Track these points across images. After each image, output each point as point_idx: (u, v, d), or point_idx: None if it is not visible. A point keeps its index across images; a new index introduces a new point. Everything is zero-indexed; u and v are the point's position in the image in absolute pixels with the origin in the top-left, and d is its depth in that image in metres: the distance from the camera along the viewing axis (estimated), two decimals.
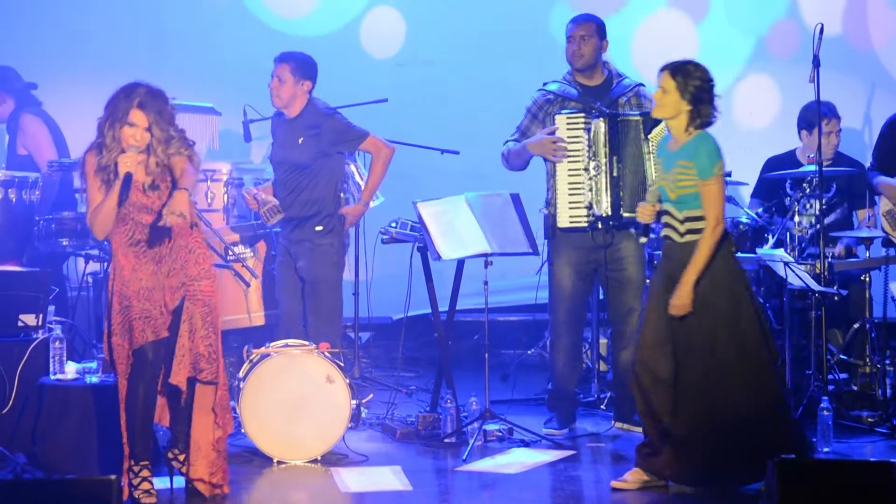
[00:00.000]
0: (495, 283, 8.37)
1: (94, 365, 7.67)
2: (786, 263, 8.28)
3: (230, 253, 8.88)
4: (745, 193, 9.81)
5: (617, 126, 8.15)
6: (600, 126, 8.14)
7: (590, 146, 8.17)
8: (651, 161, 8.07)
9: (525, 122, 8.42)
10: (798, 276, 8.28)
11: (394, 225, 8.53)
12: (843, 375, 8.84)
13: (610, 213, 8.15)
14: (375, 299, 9.69)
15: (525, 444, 8.07)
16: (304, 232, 8.52)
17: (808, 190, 8.73)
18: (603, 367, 9.27)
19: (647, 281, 8.06)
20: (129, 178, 6.60)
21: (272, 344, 7.92)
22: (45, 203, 9.19)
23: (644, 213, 7.14)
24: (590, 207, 8.19)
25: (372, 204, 9.13)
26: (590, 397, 9.07)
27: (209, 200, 9.31)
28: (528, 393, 9.33)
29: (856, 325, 8.87)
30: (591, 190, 8.18)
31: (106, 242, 7.11)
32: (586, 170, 8.19)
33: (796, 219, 8.73)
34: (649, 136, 8.10)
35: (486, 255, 8.12)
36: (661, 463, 7.02)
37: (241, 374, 7.85)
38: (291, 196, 8.53)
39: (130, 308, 6.71)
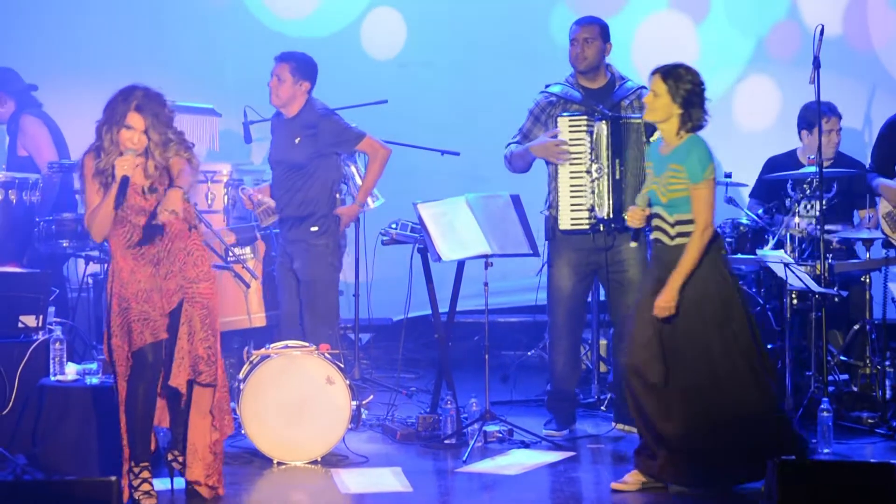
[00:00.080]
0: (495, 284, 8.37)
1: (94, 366, 7.68)
2: (786, 264, 8.28)
3: (230, 254, 8.88)
4: (746, 194, 9.81)
5: (619, 129, 8.15)
6: (602, 129, 8.14)
7: (592, 149, 8.17)
8: None
9: (527, 125, 8.41)
10: (798, 277, 8.28)
11: (394, 226, 8.53)
12: (844, 377, 8.83)
13: (611, 215, 8.14)
14: (375, 300, 9.69)
15: (525, 445, 8.07)
16: (300, 232, 8.53)
17: (808, 191, 8.73)
18: (603, 368, 9.27)
19: None
20: (125, 181, 6.60)
21: (272, 345, 7.93)
22: (46, 204, 9.19)
23: (634, 218, 7.15)
24: (591, 210, 8.18)
25: (372, 205, 9.14)
26: (590, 398, 9.07)
27: (209, 202, 9.30)
28: (529, 394, 9.32)
29: (856, 327, 8.87)
30: (592, 192, 8.18)
31: (106, 244, 7.11)
32: (588, 172, 8.19)
33: (796, 220, 8.73)
34: (651, 139, 8.10)
35: (486, 256, 8.12)
36: (658, 466, 7.03)
37: (241, 376, 7.85)
38: (288, 196, 8.54)
39: (129, 310, 6.71)
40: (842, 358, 8.89)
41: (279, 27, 11.20)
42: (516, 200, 8.32)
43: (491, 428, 8.14)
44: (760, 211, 9.15)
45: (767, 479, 6.21)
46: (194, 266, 6.78)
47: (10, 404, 7.66)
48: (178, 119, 6.90)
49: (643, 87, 8.37)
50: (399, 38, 11.33)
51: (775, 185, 9.10)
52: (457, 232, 8.19)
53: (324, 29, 11.26)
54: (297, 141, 8.51)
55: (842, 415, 8.43)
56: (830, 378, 8.65)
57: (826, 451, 7.78)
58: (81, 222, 8.45)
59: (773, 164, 9.40)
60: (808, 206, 8.73)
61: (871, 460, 7.67)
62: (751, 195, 9.54)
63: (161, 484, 6.91)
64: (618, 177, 8.14)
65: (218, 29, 11.22)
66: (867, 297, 8.77)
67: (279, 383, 7.70)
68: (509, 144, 8.44)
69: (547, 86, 8.44)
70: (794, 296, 8.66)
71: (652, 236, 7.15)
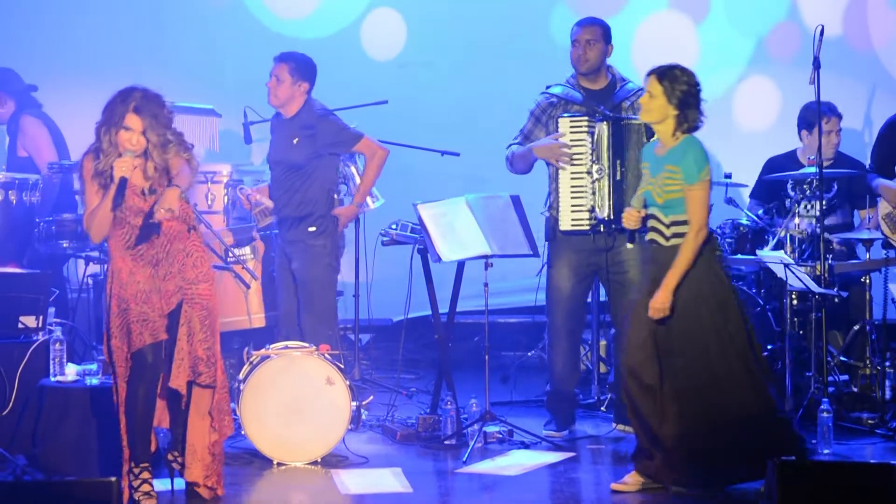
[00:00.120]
0: (495, 284, 8.37)
1: (94, 367, 7.67)
2: (786, 265, 8.28)
3: (230, 255, 8.88)
4: (746, 195, 9.81)
5: (620, 130, 8.14)
6: (603, 129, 8.14)
7: (593, 149, 8.16)
8: None
9: (528, 126, 8.41)
10: (798, 277, 8.27)
11: (394, 227, 8.53)
12: (844, 377, 8.83)
13: (612, 216, 8.13)
14: (375, 301, 9.69)
15: (525, 445, 8.08)
16: (298, 233, 8.54)
17: (808, 191, 8.73)
18: (603, 369, 9.28)
19: None
20: (124, 182, 6.59)
21: (272, 346, 7.92)
22: (46, 205, 9.19)
23: (629, 219, 7.15)
24: (592, 211, 8.18)
25: (372, 205, 9.14)
26: (590, 399, 9.07)
27: (209, 202, 9.31)
28: (529, 395, 9.32)
29: (856, 327, 8.87)
30: (593, 193, 8.18)
31: (105, 244, 7.11)
32: (589, 173, 8.19)
33: (796, 220, 8.73)
34: (652, 140, 8.09)
35: (486, 256, 8.12)
36: (655, 467, 7.03)
37: (241, 376, 7.85)
38: (286, 196, 8.55)
39: (128, 311, 6.71)
40: (842, 358, 8.89)
41: (279, 28, 11.20)
42: (516, 201, 8.32)
43: (491, 428, 8.14)
44: (760, 212, 9.15)
45: (767, 479, 6.21)
46: (193, 267, 6.78)
47: (10, 405, 7.66)
48: (178, 120, 6.90)
49: (644, 89, 8.37)
50: (399, 38, 11.33)
51: (775, 185, 9.10)
52: (457, 232, 8.19)
53: (324, 29, 11.26)
54: (295, 141, 8.51)
55: (842, 415, 8.43)
56: (830, 379, 8.65)
57: (826, 451, 7.78)
58: (81, 223, 8.45)
59: (772, 165, 9.40)
60: (808, 207, 8.73)
61: (871, 461, 7.67)
62: (751, 196, 9.54)
63: (161, 484, 6.91)
64: (618, 178, 8.14)
65: (218, 29, 11.23)
66: (867, 297, 8.77)
67: (279, 384, 7.70)
68: (510, 145, 8.43)
69: (548, 87, 8.44)
70: (794, 296, 8.66)
71: (647, 237, 7.15)
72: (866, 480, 6.03)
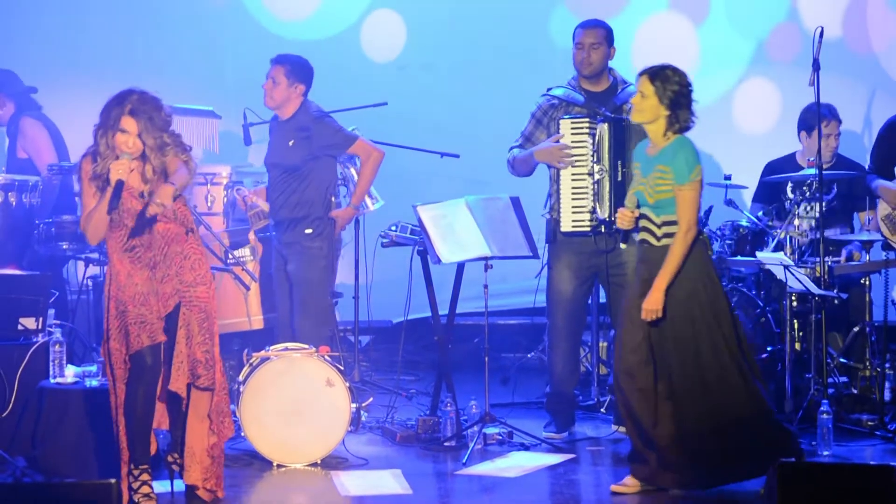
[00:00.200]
0: (495, 286, 8.38)
1: (93, 368, 7.67)
2: (786, 267, 8.27)
3: (230, 256, 8.89)
4: (746, 196, 9.81)
5: (621, 130, 8.14)
6: (605, 131, 8.13)
7: (594, 151, 8.16)
8: None
9: (529, 128, 8.41)
10: (798, 279, 8.27)
11: (394, 228, 8.53)
12: (843, 379, 8.83)
13: (613, 217, 8.13)
14: (375, 303, 9.69)
15: (525, 447, 8.07)
16: (295, 234, 8.54)
17: (808, 193, 8.73)
18: (603, 370, 9.27)
19: None
20: (120, 184, 6.58)
21: (272, 347, 7.92)
22: (45, 206, 9.19)
23: (623, 219, 7.15)
24: (593, 212, 8.18)
25: (372, 207, 9.15)
26: (590, 401, 9.07)
27: (209, 204, 9.31)
28: (528, 396, 9.33)
29: (856, 329, 8.87)
30: (594, 194, 8.17)
31: (105, 246, 7.11)
32: (590, 174, 8.19)
33: (796, 222, 8.73)
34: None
35: (486, 258, 8.12)
36: (649, 471, 7.03)
37: (240, 378, 7.86)
38: (283, 198, 8.55)
39: (126, 313, 6.70)
40: (841, 360, 8.89)
41: (279, 29, 11.21)
42: (516, 203, 8.32)
43: (491, 430, 8.14)
44: (760, 213, 9.14)
45: (767, 481, 6.22)
46: (191, 270, 6.78)
47: (10, 406, 7.66)
48: (177, 121, 6.90)
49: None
50: (399, 40, 11.34)
51: (777, 187, 9.10)
52: (456, 234, 8.19)
53: (323, 31, 11.27)
54: (291, 143, 8.52)
55: (841, 417, 8.43)
56: (830, 380, 8.65)
57: (826, 453, 7.78)
58: None
59: (772, 168, 9.40)
60: (808, 209, 8.73)
61: (871, 463, 7.66)
62: (753, 199, 9.53)
63: (161, 486, 6.90)
64: (620, 178, 8.13)
65: (218, 31, 11.23)
66: (867, 299, 8.77)
67: (279, 385, 7.70)
68: (512, 148, 8.43)
69: (549, 89, 8.44)
70: (793, 298, 8.66)
71: (639, 237, 7.15)
72: (866, 482, 6.02)
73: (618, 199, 8.12)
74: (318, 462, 7.70)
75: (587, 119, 8.21)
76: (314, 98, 8.67)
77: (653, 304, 6.95)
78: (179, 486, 6.91)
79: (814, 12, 10.87)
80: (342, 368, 7.88)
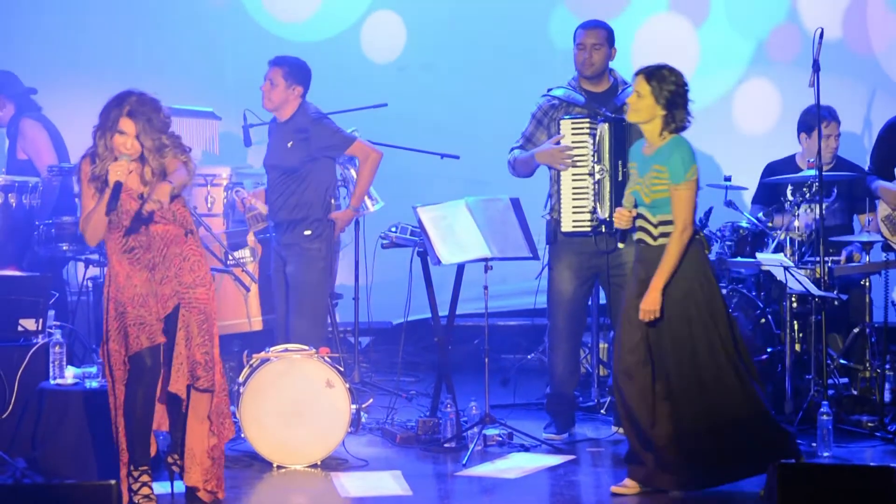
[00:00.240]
0: (495, 287, 8.38)
1: (93, 370, 7.67)
2: (786, 268, 8.27)
3: (230, 258, 8.88)
4: (746, 198, 9.81)
5: (622, 130, 8.13)
6: (605, 131, 8.13)
7: (595, 151, 8.16)
8: None
9: (530, 129, 8.41)
10: (798, 280, 8.27)
11: (394, 229, 8.53)
12: (843, 380, 8.83)
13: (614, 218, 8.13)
14: (375, 304, 9.69)
15: (525, 448, 8.07)
16: (294, 236, 8.53)
17: (808, 194, 8.73)
18: (603, 371, 9.27)
19: None
20: (118, 186, 6.58)
21: (272, 349, 7.92)
22: (45, 208, 9.19)
23: (621, 219, 7.15)
24: (594, 212, 8.18)
25: (372, 208, 9.14)
26: (590, 402, 9.07)
27: (209, 205, 9.31)
28: (529, 397, 9.32)
29: (856, 330, 8.87)
30: (595, 194, 8.17)
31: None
32: (591, 174, 8.18)
33: (796, 223, 8.73)
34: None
35: (486, 259, 8.12)
36: (646, 472, 7.03)
37: (241, 379, 7.85)
38: (281, 199, 8.54)
39: (125, 314, 6.70)
40: (841, 361, 8.89)
41: (279, 31, 11.21)
42: (516, 204, 8.32)
43: (491, 431, 8.13)
44: (760, 215, 9.13)
45: (767, 482, 6.22)
46: (191, 271, 6.77)
47: (10, 408, 7.66)
48: (177, 122, 6.90)
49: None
50: (399, 41, 11.34)
51: (776, 189, 9.10)
52: (456, 235, 8.19)
53: (323, 32, 11.27)
54: (289, 145, 8.52)
55: (841, 418, 8.43)
56: (830, 381, 8.65)
57: (826, 454, 7.77)
58: None
59: (771, 170, 9.40)
60: (808, 210, 8.73)
61: (871, 464, 7.66)
62: (753, 201, 9.53)
63: (161, 487, 6.90)
64: (620, 178, 8.13)
65: (218, 32, 11.24)
66: (867, 300, 8.77)
67: (279, 387, 7.69)
68: (513, 150, 8.42)
69: (549, 89, 8.43)
70: (793, 299, 8.65)
71: (636, 237, 7.16)
72: (866, 483, 6.02)
73: (618, 200, 8.10)
74: (318, 463, 7.69)
75: (588, 119, 8.21)
76: (314, 99, 8.67)
77: (650, 304, 6.95)
78: (179, 487, 6.90)
79: (814, 13, 10.87)
80: (342, 370, 7.88)
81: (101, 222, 6.66)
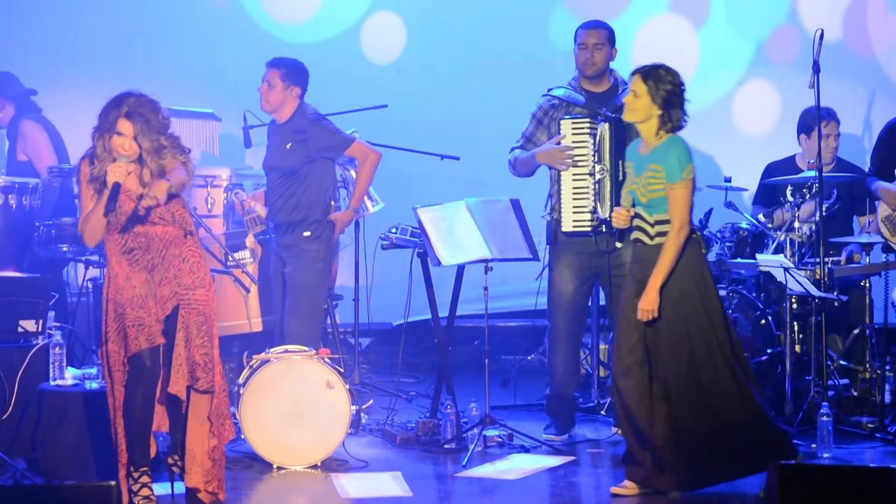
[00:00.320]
0: (495, 288, 8.38)
1: (93, 371, 7.67)
2: (786, 269, 8.27)
3: (230, 259, 8.88)
4: (746, 199, 9.81)
5: (622, 130, 8.13)
6: (605, 130, 8.13)
7: (595, 150, 8.16)
8: None
9: (530, 129, 8.41)
10: (798, 281, 8.27)
11: (394, 230, 8.54)
12: (843, 381, 8.83)
13: None
14: (375, 305, 9.69)
15: (525, 449, 8.07)
16: (293, 237, 8.53)
17: (808, 195, 8.73)
18: (602, 372, 9.27)
19: None
20: (117, 187, 6.57)
21: (272, 350, 7.92)
22: (45, 209, 9.19)
23: (619, 218, 7.16)
24: (594, 212, 8.18)
25: (372, 209, 9.14)
26: (590, 403, 9.07)
27: (209, 206, 9.31)
28: (529, 399, 9.32)
29: (856, 331, 8.87)
30: (595, 194, 8.17)
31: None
32: (591, 174, 8.18)
33: (796, 224, 8.73)
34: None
35: (486, 260, 8.12)
36: (644, 473, 7.03)
37: (241, 380, 7.85)
38: (281, 201, 8.54)
39: (124, 315, 6.70)
40: (842, 362, 8.89)
41: (279, 32, 11.21)
42: (516, 205, 8.32)
43: (491, 432, 8.13)
44: (761, 216, 9.13)
45: (767, 483, 6.22)
46: (190, 273, 6.77)
47: (10, 409, 7.66)
48: (177, 123, 6.91)
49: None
50: (399, 42, 11.34)
51: (776, 190, 9.10)
52: (456, 236, 8.19)
53: (323, 33, 11.27)
54: (288, 146, 8.52)
55: (841, 419, 8.43)
56: (830, 382, 8.65)
57: (826, 455, 7.77)
58: None
59: (771, 170, 9.40)
60: (806, 208, 8.73)
61: (871, 465, 7.66)
62: (754, 202, 9.53)
63: (161, 488, 6.90)
64: (621, 178, 8.11)
65: (218, 33, 11.24)
66: (867, 301, 8.77)
67: (279, 388, 7.69)
68: (513, 149, 8.42)
69: (549, 89, 8.43)
70: (793, 300, 8.66)
71: (632, 236, 7.16)
72: (866, 484, 6.02)
73: (619, 199, 8.10)
74: (318, 464, 7.69)
75: (588, 119, 8.21)
76: (314, 100, 8.66)
77: (648, 303, 6.95)
78: (179, 488, 6.90)
79: (814, 14, 10.87)
80: (342, 371, 7.88)
81: (100, 223, 6.66)
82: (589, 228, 8.21)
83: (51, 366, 7.67)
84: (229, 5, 11.30)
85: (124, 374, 6.72)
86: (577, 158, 8.20)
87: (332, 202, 8.58)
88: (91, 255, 8.90)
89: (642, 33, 11.02)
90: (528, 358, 10.48)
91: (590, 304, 8.84)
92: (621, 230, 7.20)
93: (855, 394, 8.77)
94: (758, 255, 8.73)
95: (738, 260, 8.98)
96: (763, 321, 8.96)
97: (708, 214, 9.00)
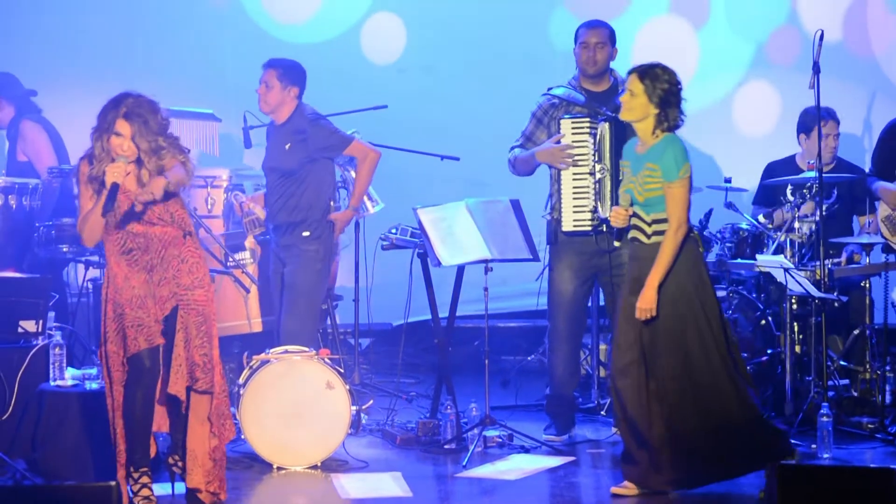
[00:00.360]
0: (495, 289, 8.38)
1: (93, 371, 7.67)
2: (786, 269, 8.27)
3: (230, 259, 8.88)
4: (746, 200, 9.81)
5: (623, 130, 8.12)
6: (606, 130, 8.13)
7: (595, 150, 8.16)
8: None
9: (530, 128, 8.41)
10: (798, 282, 8.27)
11: (394, 231, 8.54)
12: (844, 381, 8.83)
13: None
14: (375, 305, 9.69)
15: (525, 450, 8.07)
16: (293, 238, 8.52)
17: (808, 196, 8.73)
18: (602, 373, 9.26)
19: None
20: (115, 187, 6.57)
21: (272, 350, 7.92)
22: (45, 209, 9.19)
23: (617, 217, 7.16)
24: (595, 211, 8.18)
25: (372, 210, 9.14)
26: (589, 403, 9.07)
27: (209, 207, 9.31)
28: (529, 399, 9.32)
29: (856, 332, 8.87)
30: (596, 194, 8.17)
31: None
32: (591, 174, 8.18)
33: (796, 225, 8.73)
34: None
35: (486, 261, 8.12)
36: (639, 472, 7.04)
37: (241, 381, 7.85)
38: (280, 202, 8.54)
39: (123, 316, 6.70)
40: (842, 363, 8.89)
41: (279, 32, 11.21)
42: (516, 205, 8.32)
43: (491, 433, 8.13)
44: (761, 217, 9.13)
45: (767, 483, 6.22)
46: (189, 273, 6.77)
47: (10, 409, 7.66)
48: (177, 124, 6.91)
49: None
50: (399, 42, 11.34)
51: (777, 190, 9.10)
52: (456, 237, 8.19)
53: (323, 34, 11.27)
54: (287, 147, 8.51)
55: (842, 420, 8.43)
56: (830, 383, 8.65)
57: (826, 455, 7.77)
58: None
59: (771, 170, 9.41)
60: (806, 208, 8.73)
61: (871, 465, 7.67)
62: (754, 202, 9.53)
63: (161, 489, 6.90)
64: (621, 178, 8.12)
65: (218, 34, 11.23)
66: (867, 301, 8.77)
67: (279, 388, 7.70)
68: (513, 148, 8.43)
69: (549, 88, 8.44)
70: (794, 301, 8.66)
71: (630, 235, 7.16)
72: (866, 485, 6.03)
73: (618, 198, 8.12)
74: (318, 465, 7.69)
75: (588, 119, 8.21)
76: (315, 101, 8.66)
77: (646, 302, 6.95)
78: (180, 488, 6.91)
79: (814, 15, 10.86)
80: (342, 371, 7.88)
81: (98, 223, 6.66)
82: (589, 228, 8.22)
83: (51, 366, 7.67)
84: (229, 5, 11.30)
85: (123, 374, 6.72)
86: (577, 158, 8.20)
87: (332, 203, 8.57)
88: (91, 255, 8.90)
89: (642, 34, 11.01)
90: (528, 358, 10.48)
91: (590, 304, 8.84)
92: (619, 229, 7.20)
93: (855, 394, 8.77)
94: (758, 256, 8.72)
95: (739, 260, 8.98)
96: (763, 322, 8.96)
97: (708, 215, 9.00)
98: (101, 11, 11.06)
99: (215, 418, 6.82)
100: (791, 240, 8.74)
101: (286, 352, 7.85)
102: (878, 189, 9.08)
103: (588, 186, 8.19)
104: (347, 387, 7.80)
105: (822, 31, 8.36)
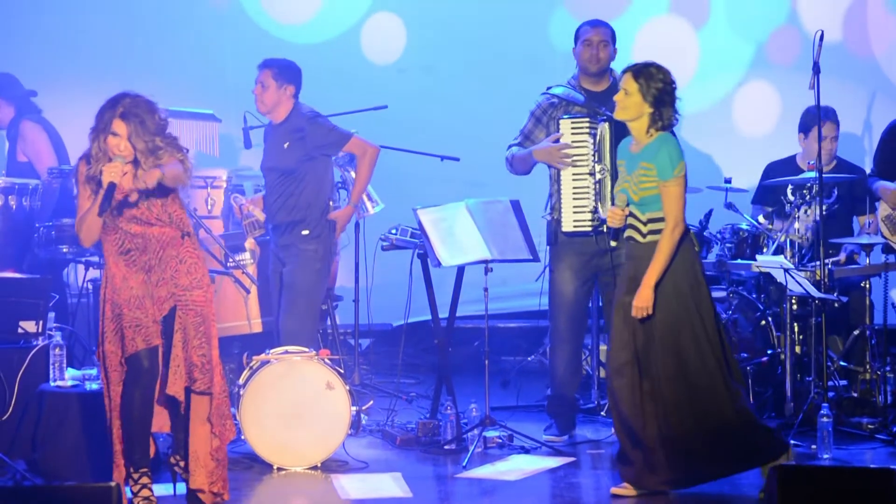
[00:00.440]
0: (495, 289, 8.37)
1: (93, 372, 7.67)
2: (786, 270, 8.27)
3: (230, 260, 8.88)
4: (746, 200, 9.81)
5: (622, 130, 8.12)
6: (605, 130, 8.12)
7: (595, 150, 8.16)
8: None
9: (528, 126, 8.41)
10: (798, 282, 8.27)
11: (394, 231, 8.53)
12: (843, 382, 8.83)
13: None
14: (375, 306, 9.69)
15: (525, 450, 8.07)
16: (292, 237, 8.52)
17: (808, 196, 8.73)
18: (603, 373, 9.26)
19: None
20: (112, 187, 6.57)
21: (272, 350, 7.92)
22: (45, 210, 9.19)
23: (613, 217, 7.16)
24: (595, 212, 8.18)
25: (372, 210, 9.14)
26: (590, 404, 9.07)
27: (209, 207, 9.31)
28: (529, 399, 9.32)
29: (856, 332, 8.87)
30: (596, 194, 8.17)
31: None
32: (591, 174, 8.18)
33: (796, 225, 8.73)
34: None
35: (486, 261, 8.12)
36: (634, 473, 7.04)
37: (241, 381, 7.85)
38: (280, 201, 8.53)
39: (122, 316, 6.69)
40: (842, 363, 8.89)
41: (279, 32, 11.21)
42: (516, 206, 8.32)
43: (491, 433, 8.13)
44: (761, 217, 9.13)
45: (767, 484, 6.23)
46: (187, 274, 6.76)
47: (10, 410, 7.66)
48: (177, 124, 6.90)
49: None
50: (399, 43, 11.34)
51: (776, 190, 9.10)
52: (457, 237, 8.19)
53: (323, 34, 11.27)
54: (286, 146, 8.51)
55: (842, 420, 8.42)
56: (830, 383, 8.64)
57: (826, 456, 7.78)
58: None
59: (771, 170, 9.41)
60: (808, 212, 8.73)
61: (872, 466, 7.67)
62: (753, 202, 9.53)
63: (162, 489, 6.90)
64: None
65: (218, 34, 11.23)
66: (867, 302, 8.77)
67: (279, 389, 7.69)
68: (511, 146, 8.42)
69: (548, 87, 8.44)
70: (794, 301, 8.66)
71: (625, 234, 7.16)
72: (866, 485, 6.03)
73: None
74: (318, 465, 7.69)
75: (587, 119, 8.21)
76: (315, 101, 8.66)
77: (643, 301, 6.95)
78: (181, 488, 6.90)
79: (814, 15, 10.87)
80: (342, 371, 7.88)
81: (95, 223, 6.65)
82: (589, 228, 8.21)
83: (51, 367, 7.67)
84: (229, 5, 11.30)
85: (121, 374, 6.71)
86: (576, 158, 8.20)
87: (331, 202, 8.57)
88: (91, 256, 8.90)
89: (642, 34, 11.02)
90: (529, 359, 10.48)
91: (590, 304, 8.84)
92: (616, 229, 7.20)
93: (855, 395, 8.76)
94: (758, 256, 8.72)
95: (739, 261, 8.98)
96: (763, 322, 8.96)
97: (708, 215, 9.00)
98: (101, 11, 11.07)
99: (216, 419, 6.81)
100: (791, 240, 8.74)
101: (286, 352, 7.85)
102: (879, 188, 9.08)
103: (588, 187, 8.19)
104: (347, 387, 7.80)
105: (822, 32, 8.35)
